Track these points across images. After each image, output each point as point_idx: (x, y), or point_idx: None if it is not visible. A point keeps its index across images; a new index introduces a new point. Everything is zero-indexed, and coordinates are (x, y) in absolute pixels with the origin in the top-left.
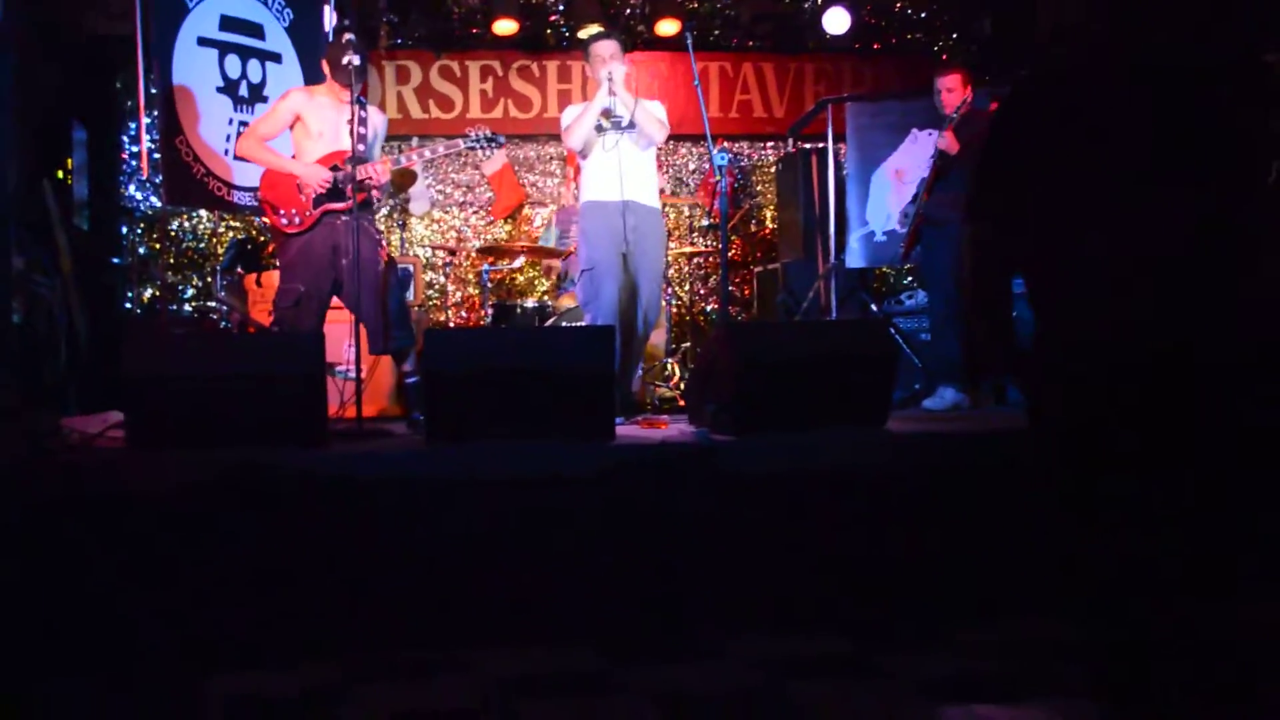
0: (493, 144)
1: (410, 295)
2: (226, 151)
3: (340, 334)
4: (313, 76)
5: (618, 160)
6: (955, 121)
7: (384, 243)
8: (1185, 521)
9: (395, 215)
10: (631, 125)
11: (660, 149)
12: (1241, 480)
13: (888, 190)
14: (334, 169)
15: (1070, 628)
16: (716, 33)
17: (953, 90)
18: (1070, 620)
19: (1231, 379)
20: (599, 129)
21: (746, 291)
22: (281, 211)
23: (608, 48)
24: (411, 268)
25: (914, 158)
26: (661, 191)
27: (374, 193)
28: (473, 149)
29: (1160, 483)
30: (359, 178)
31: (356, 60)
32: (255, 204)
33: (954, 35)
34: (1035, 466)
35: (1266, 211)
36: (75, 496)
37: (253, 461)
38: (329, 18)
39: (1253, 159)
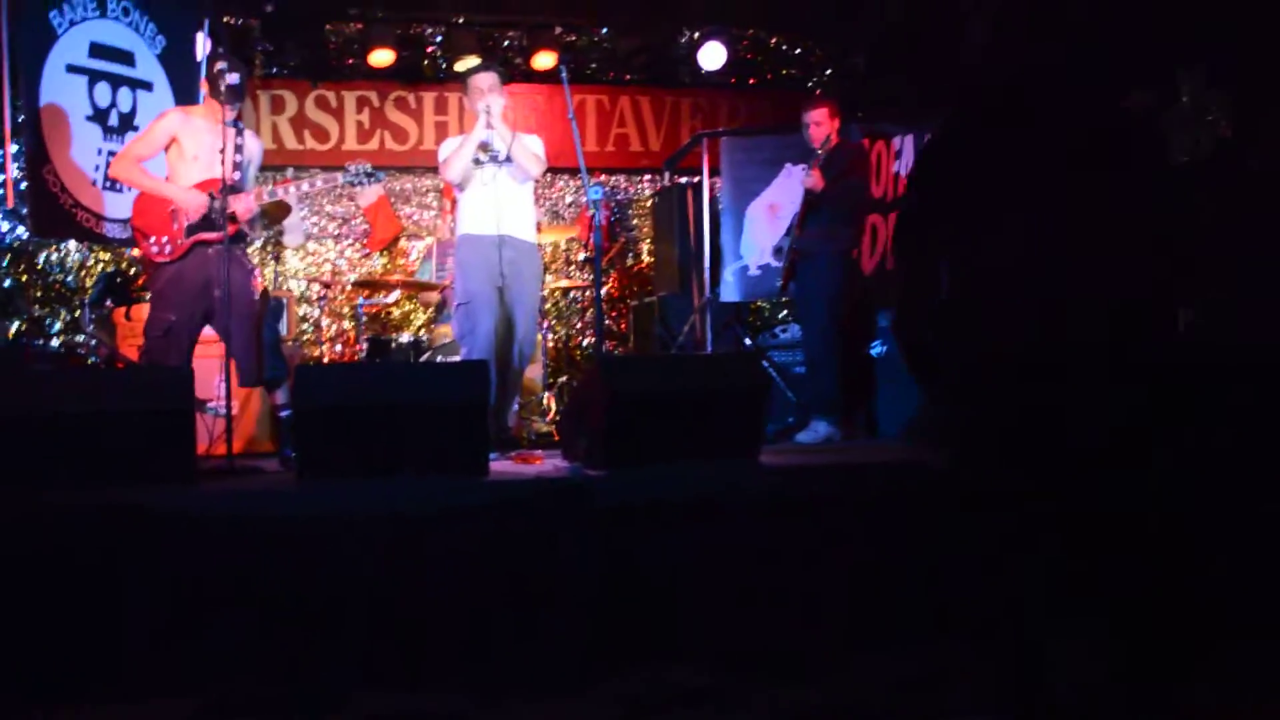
0: (371, 179)
1: (284, 329)
2: (95, 181)
3: (211, 369)
4: (185, 104)
5: (494, 194)
6: (820, 158)
7: (257, 274)
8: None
9: (269, 247)
10: (509, 159)
11: (537, 182)
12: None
13: (762, 224)
14: (210, 197)
15: (964, 652)
16: (594, 66)
17: (820, 124)
18: (969, 644)
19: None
20: (476, 162)
21: (623, 325)
22: (152, 239)
23: (486, 80)
24: (285, 301)
25: (788, 192)
26: (538, 225)
27: (244, 226)
28: (352, 185)
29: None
30: (231, 210)
31: (234, 79)
32: (126, 235)
33: (828, 71)
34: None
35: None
36: None
37: (111, 502)
38: (203, 45)
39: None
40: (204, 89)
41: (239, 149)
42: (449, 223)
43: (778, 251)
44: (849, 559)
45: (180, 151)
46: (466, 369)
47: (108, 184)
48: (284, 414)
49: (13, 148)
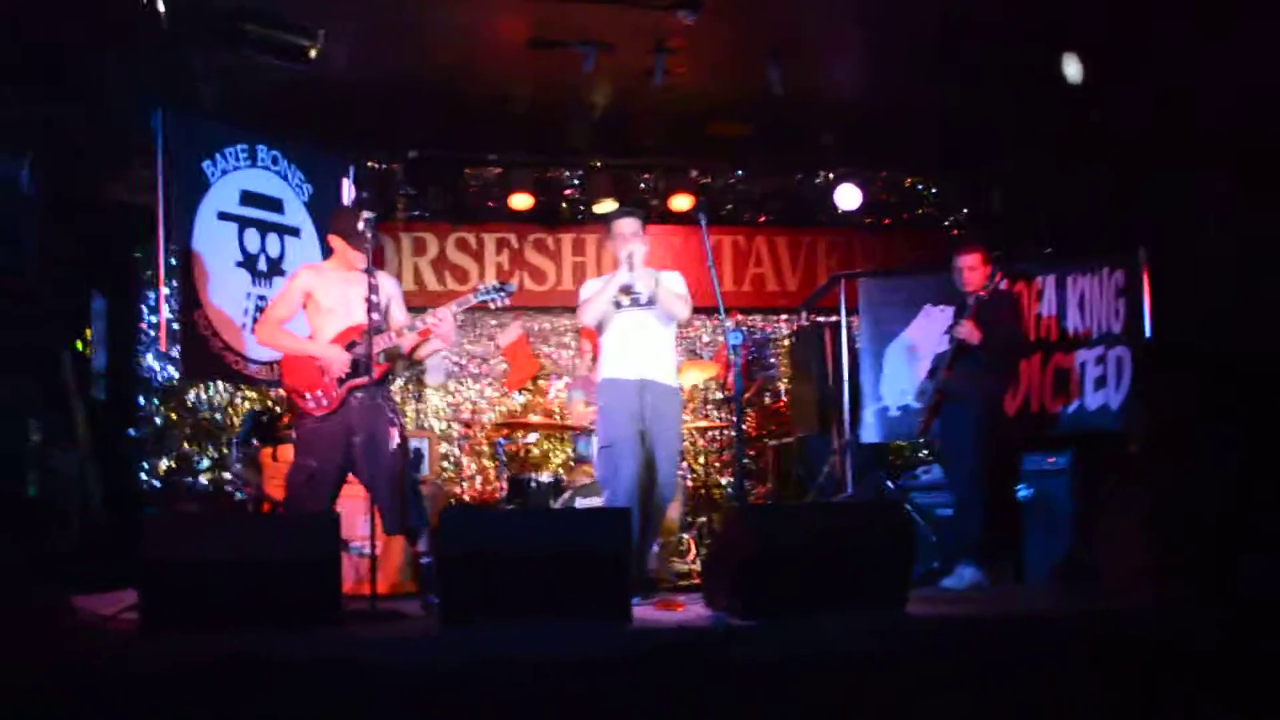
0: (502, 292)
1: (425, 469)
2: (244, 325)
3: (356, 509)
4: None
5: (637, 337)
6: (973, 308)
7: (397, 421)
8: None
9: (410, 387)
10: (651, 301)
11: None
12: None
13: (902, 365)
14: (351, 345)
15: None
16: (730, 206)
17: (974, 269)
18: None
19: None
20: (618, 305)
21: (760, 465)
22: (308, 395)
23: (629, 225)
24: (426, 443)
25: (927, 333)
26: (677, 365)
27: (431, 340)
28: (484, 301)
29: None
30: (378, 348)
31: (368, 218)
32: (272, 376)
33: (964, 210)
34: None
35: None
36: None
37: (259, 649)
38: (348, 191)
39: None
40: (332, 241)
41: (374, 289)
42: (586, 362)
43: (921, 393)
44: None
45: (317, 306)
46: (610, 517)
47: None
48: (425, 560)
49: (165, 290)
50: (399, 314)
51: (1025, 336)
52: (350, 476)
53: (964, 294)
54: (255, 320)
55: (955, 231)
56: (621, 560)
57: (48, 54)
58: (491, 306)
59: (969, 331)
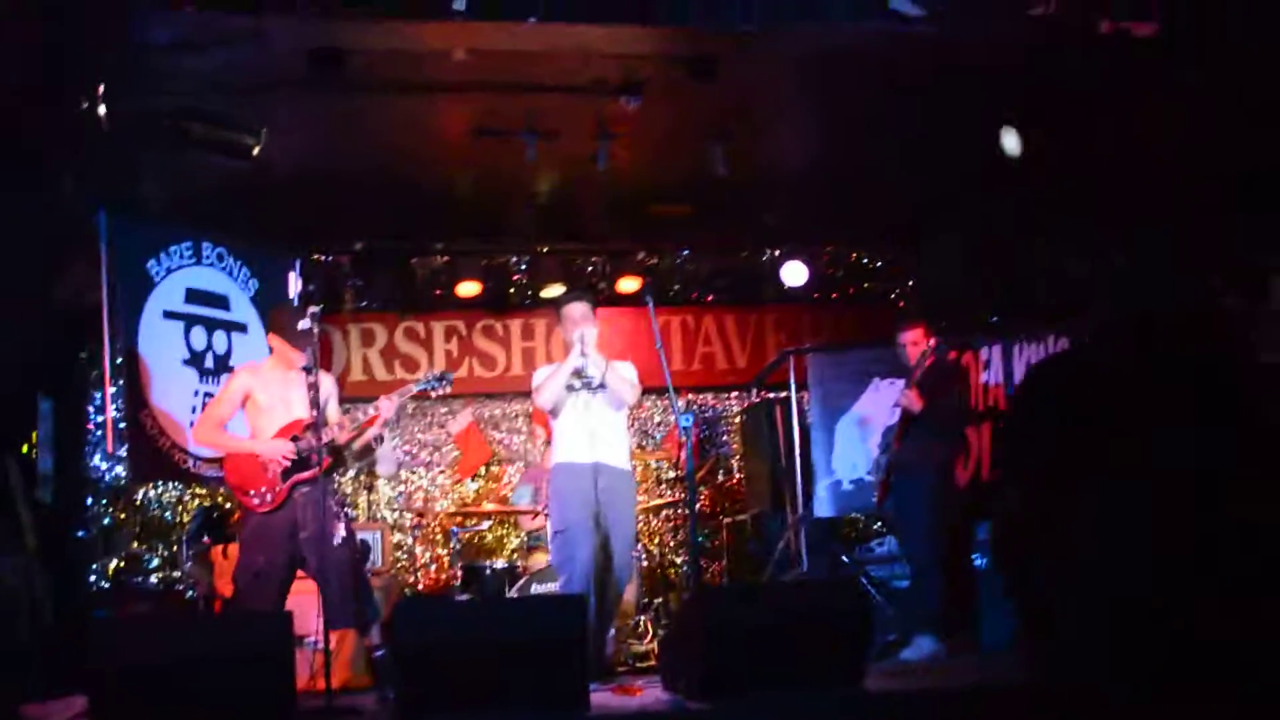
0: (443, 382)
1: (378, 560)
2: (191, 424)
3: (308, 605)
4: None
5: (588, 421)
6: (918, 379)
7: (341, 514)
8: None
9: (362, 478)
10: (603, 386)
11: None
12: None
13: (853, 438)
14: (294, 439)
15: None
16: (677, 287)
17: (916, 344)
18: None
19: None
20: (570, 389)
21: (715, 543)
22: (252, 492)
23: (579, 309)
24: (379, 534)
25: (877, 405)
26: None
27: (374, 431)
28: (425, 390)
29: None
30: (323, 440)
31: (305, 323)
32: (218, 474)
33: (909, 283)
34: None
35: None
36: None
37: None
38: (294, 284)
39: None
40: (271, 340)
41: (313, 387)
42: (539, 447)
43: (875, 467)
44: None
45: (257, 406)
46: (565, 603)
47: None
48: (377, 654)
49: (111, 390)
50: (334, 414)
51: (968, 405)
52: (300, 572)
53: (909, 367)
54: None
55: (901, 304)
56: (578, 647)
57: None
58: (432, 395)
59: (910, 400)
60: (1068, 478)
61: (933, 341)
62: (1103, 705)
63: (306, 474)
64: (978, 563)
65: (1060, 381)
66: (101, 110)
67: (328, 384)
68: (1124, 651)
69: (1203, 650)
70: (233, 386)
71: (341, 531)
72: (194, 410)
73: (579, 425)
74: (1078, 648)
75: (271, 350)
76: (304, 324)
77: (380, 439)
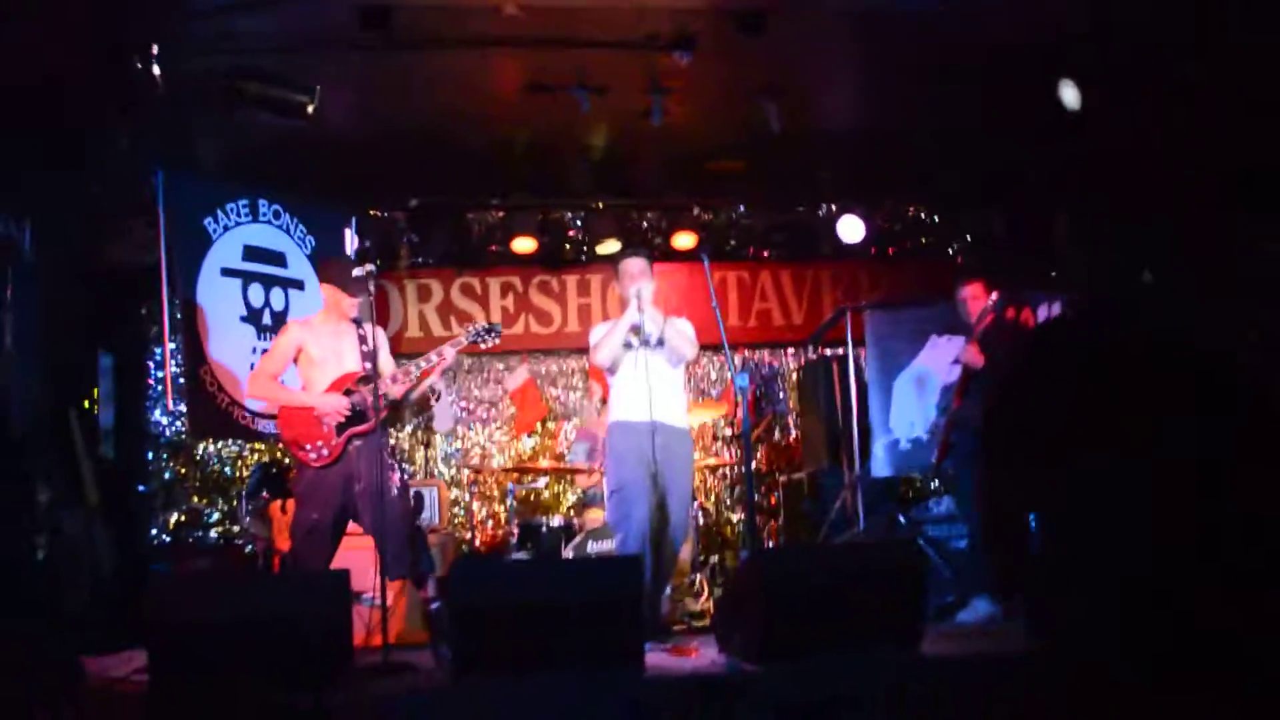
0: (491, 334)
1: (434, 517)
2: (245, 389)
3: (365, 560)
4: None
5: (646, 379)
6: (978, 335)
7: (395, 466)
8: None
9: (419, 434)
10: (660, 343)
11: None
12: None
13: (911, 396)
14: (347, 393)
15: None
16: (733, 243)
17: (976, 298)
18: None
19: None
20: (628, 346)
21: (773, 500)
22: (308, 447)
23: (636, 264)
24: (436, 490)
25: (935, 363)
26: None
27: (427, 388)
28: (474, 343)
29: None
30: (377, 393)
31: (360, 271)
32: (277, 430)
33: (967, 237)
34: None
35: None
36: None
37: (272, 709)
38: (350, 241)
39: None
40: (323, 292)
41: (363, 339)
42: (595, 404)
43: (934, 428)
44: None
45: (309, 359)
46: (621, 564)
47: None
48: (433, 606)
49: (170, 346)
50: (386, 364)
51: None
52: (356, 527)
53: (970, 324)
54: None
55: (960, 260)
56: (634, 608)
57: (47, 118)
58: (481, 348)
59: (972, 356)
60: (1064, 447)
61: (994, 296)
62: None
63: (361, 428)
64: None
65: (1060, 351)
66: (156, 71)
67: (379, 336)
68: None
69: (1203, 635)
70: (285, 340)
71: (396, 483)
72: (251, 367)
73: (636, 383)
74: (1080, 623)
75: (324, 301)
76: (358, 271)
77: (437, 394)
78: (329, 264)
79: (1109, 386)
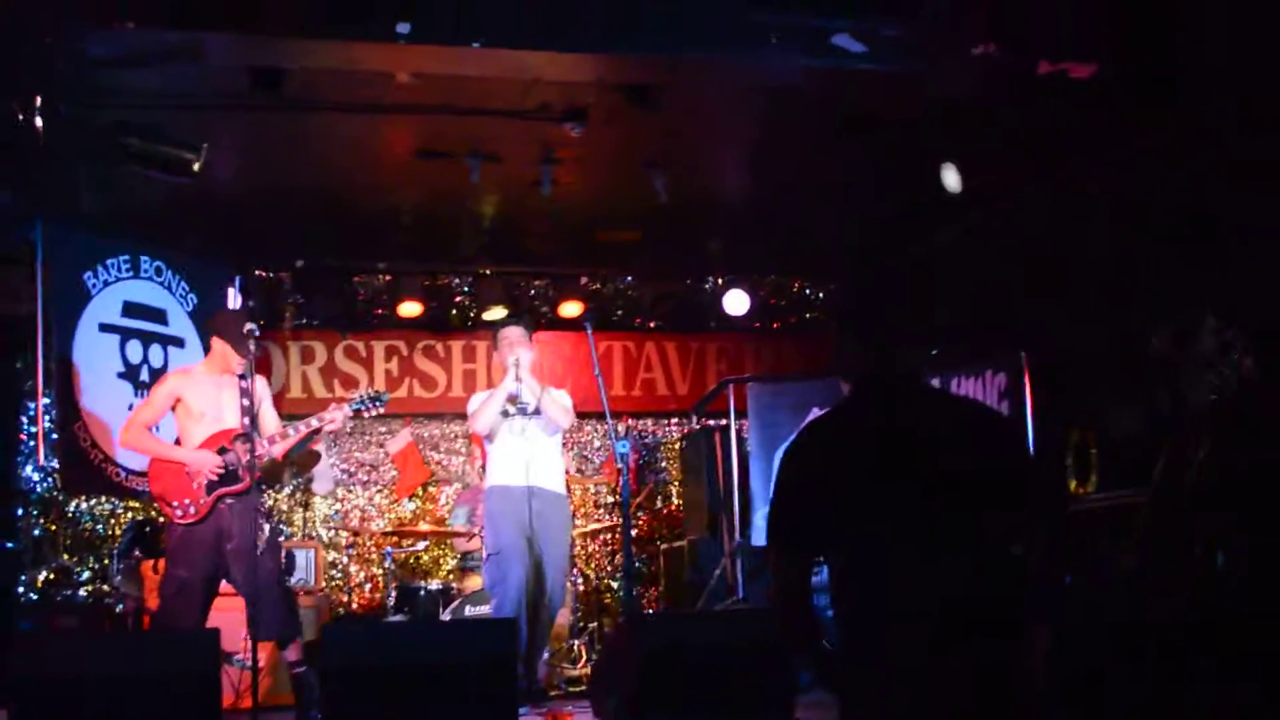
0: (377, 402)
1: (311, 579)
2: (118, 439)
3: (237, 621)
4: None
5: (523, 445)
6: None
7: (265, 526)
8: None
9: (298, 495)
10: (537, 411)
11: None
12: None
13: None
14: (221, 451)
15: None
16: (620, 312)
17: None
18: None
19: None
20: (505, 414)
21: (653, 568)
22: (175, 504)
23: (514, 333)
24: (313, 552)
25: None
26: (566, 471)
27: (318, 438)
28: (358, 411)
29: None
30: (255, 453)
31: (252, 328)
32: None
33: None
34: None
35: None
36: None
37: None
38: (234, 300)
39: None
40: (215, 342)
41: (246, 393)
42: (477, 468)
43: None
44: None
45: (187, 410)
46: (495, 626)
47: None
48: (298, 670)
49: (44, 401)
50: (270, 420)
51: None
52: (225, 588)
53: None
54: None
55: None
56: (508, 670)
57: None
58: (366, 415)
59: None
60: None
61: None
62: None
63: (233, 488)
64: None
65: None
66: (38, 122)
67: (261, 388)
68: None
69: None
70: (163, 389)
71: (263, 543)
72: None
73: (514, 449)
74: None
75: (208, 354)
76: (250, 327)
77: (317, 456)
78: (221, 316)
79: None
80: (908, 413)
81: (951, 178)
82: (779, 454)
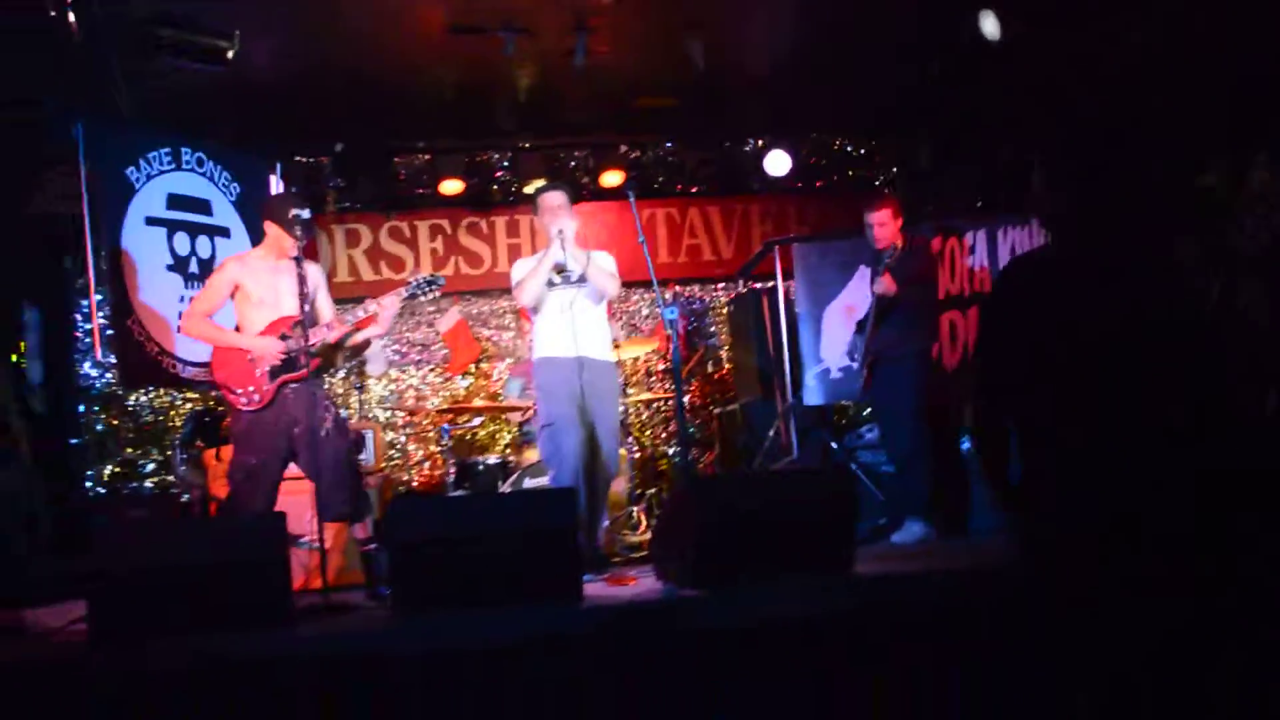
0: (432, 285)
1: (371, 459)
2: (178, 329)
3: (303, 504)
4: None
5: (570, 315)
6: (891, 262)
7: (330, 407)
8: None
9: (352, 378)
10: (583, 280)
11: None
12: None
13: (839, 327)
14: (283, 337)
15: None
16: (661, 179)
17: (883, 225)
18: None
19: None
20: (550, 284)
21: (706, 434)
22: (239, 390)
23: (556, 198)
24: (371, 433)
25: (863, 294)
26: (615, 342)
27: (369, 332)
28: (414, 296)
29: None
30: (310, 341)
31: (305, 213)
32: (207, 379)
33: (894, 169)
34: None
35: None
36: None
37: (214, 653)
38: (276, 187)
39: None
40: (266, 229)
41: (303, 281)
42: (528, 343)
43: (852, 351)
44: (952, 675)
45: (246, 297)
46: (555, 496)
47: None
48: (369, 548)
49: (97, 297)
50: (325, 306)
51: (935, 288)
52: (294, 469)
53: (877, 251)
54: None
55: (886, 191)
56: (569, 539)
57: None
58: (422, 298)
59: (886, 286)
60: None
61: (900, 220)
62: (1088, 598)
63: (294, 375)
64: (967, 446)
65: (1031, 282)
66: (71, 18)
67: (318, 276)
68: (1111, 554)
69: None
70: (221, 277)
71: (330, 424)
72: (179, 316)
73: (561, 320)
74: (1066, 542)
75: (264, 238)
76: (300, 211)
77: (368, 340)
78: (273, 200)
79: (1100, 316)
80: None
81: (990, 24)
82: (827, 311)
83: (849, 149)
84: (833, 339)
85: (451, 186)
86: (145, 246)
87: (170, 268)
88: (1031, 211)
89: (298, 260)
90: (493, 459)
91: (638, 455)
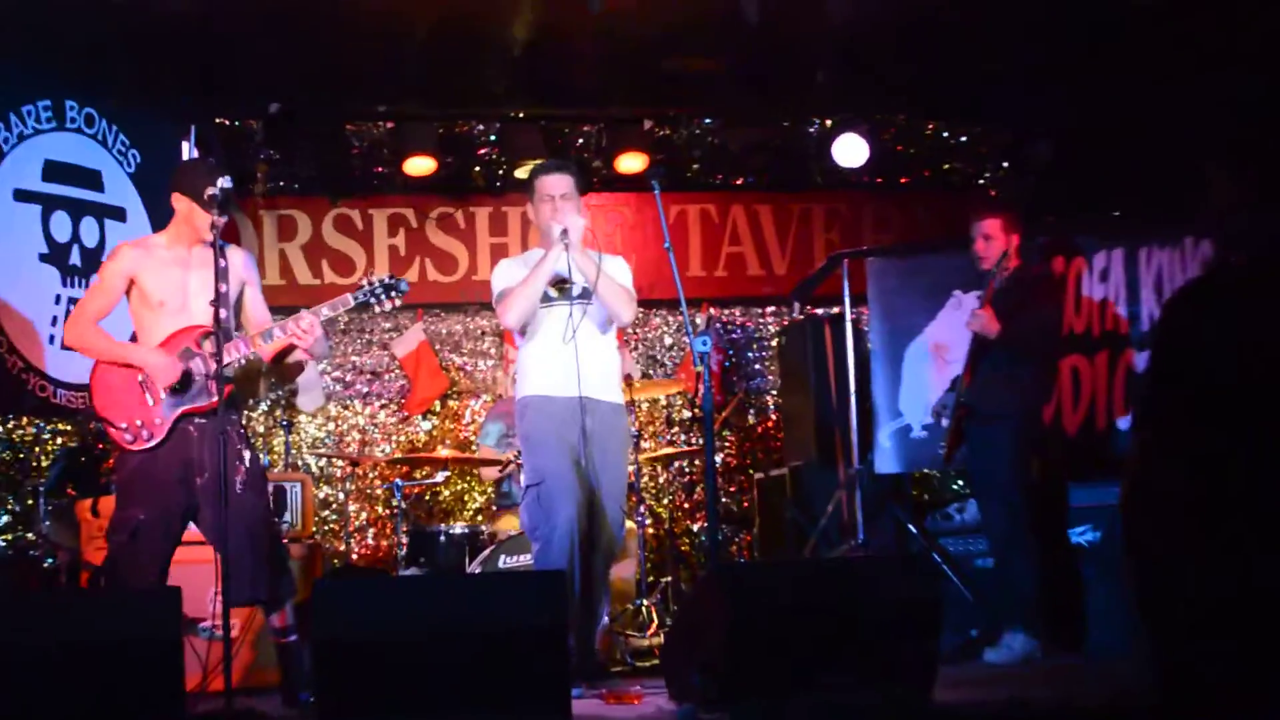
0: (394, 291)
1: (296, 522)
2: (52, 338)
3: (204, 578)
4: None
5: (571, 343)
6: (993, 289)
7: (246, 450)
8: None
9: (279, 413)
10: (589, 295)
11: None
12: None
13: (925, 370)
14: (185, 354)
15: None
16: (696, 167)
17: (992, 239)
18: None
19: None
20: (546, 299)
21: (745, 505)
22: (124, 425)
23: (559, 184)
24: (300, 486)
25: (958, 328)
26: (628, 378)
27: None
28: (365, 305)
29: None
30: (227, 359)
31: (227, 183)
32: (86, 406)
33: (1003, 164)
34: None
35: None
36: None
37: None
38: (189, 157)
39: None
40: (174, 204)
41: (223, 274)
42: (511, 375)
43: (942, 409)
44: None
45: (144, 296)
46: (538, 582)
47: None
48: (288, 639)
49: None
50: (258, 307)
51: (1061, 326)
52: (194, 531)
53: (982, 272)
54: None
55: (992, 193)
56: (556, 640)
57: None
58: (376, 310)
59: (985, 323)
60: (1224, 438)
61: (1015, 237)
62: None
63: (200, 405)
64: (1085, 537)
65: (1213, 310)
66: None
67: (245, 267)
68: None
69: None
70: (112, 269)
71: (244, 476)
72: (55, 321)
73: (558, 348)
74: (1214, 670)
75: (169, 222)
76: (221, 183)
77: (301, 364)
78: (185, 168)
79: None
80: None
81: None
82: (910, 350)
83: (945, 136)
84: (916, 386)
85: (419, 165)
86: (12, 228)
87: (44, 257)
88: (1213, 224)
89: (216, 247)
90: (459, 528)
91: (651, 530)
